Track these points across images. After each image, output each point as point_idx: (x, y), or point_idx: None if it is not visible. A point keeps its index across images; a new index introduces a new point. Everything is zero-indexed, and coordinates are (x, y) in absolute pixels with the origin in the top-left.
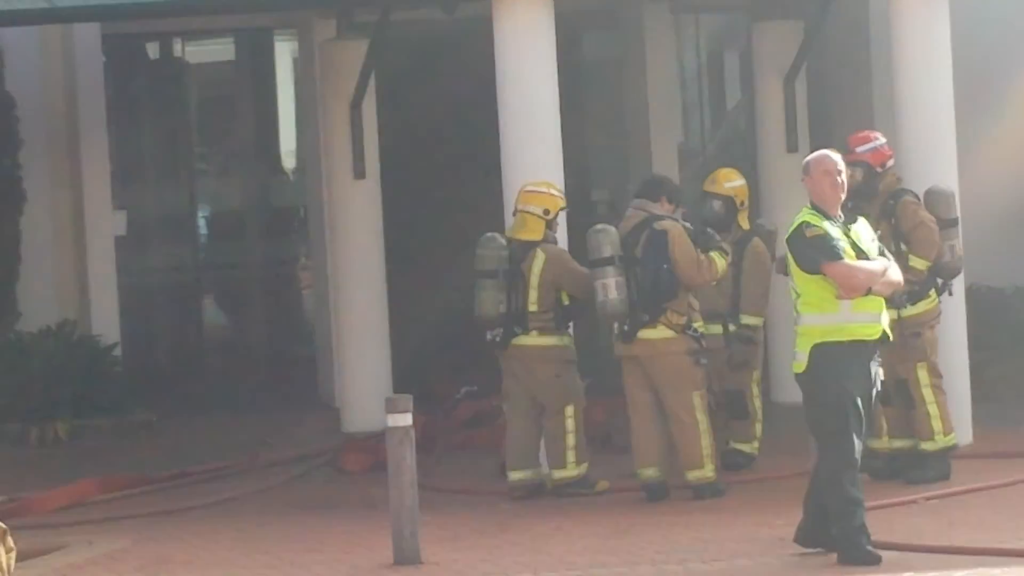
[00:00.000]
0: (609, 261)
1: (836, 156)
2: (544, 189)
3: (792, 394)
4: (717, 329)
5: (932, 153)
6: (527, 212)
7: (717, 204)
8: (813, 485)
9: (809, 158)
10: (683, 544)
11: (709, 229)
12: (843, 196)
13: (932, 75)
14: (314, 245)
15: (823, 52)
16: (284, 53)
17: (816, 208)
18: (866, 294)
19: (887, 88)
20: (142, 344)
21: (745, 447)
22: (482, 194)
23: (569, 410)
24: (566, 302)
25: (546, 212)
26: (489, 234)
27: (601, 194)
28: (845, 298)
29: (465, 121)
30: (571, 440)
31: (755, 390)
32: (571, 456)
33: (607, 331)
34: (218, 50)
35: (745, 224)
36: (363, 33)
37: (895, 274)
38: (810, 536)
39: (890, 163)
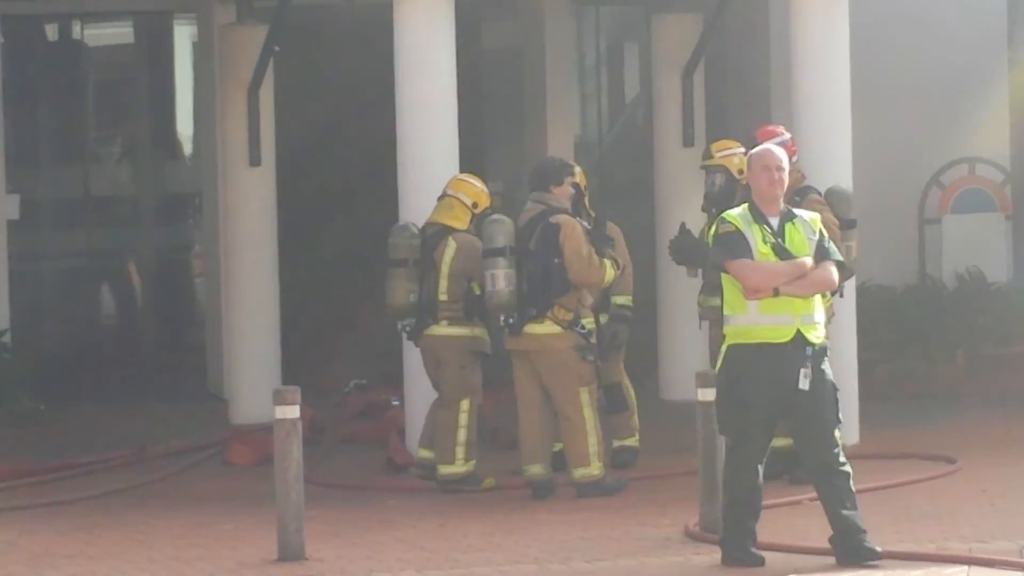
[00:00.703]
0: (500, 252)
1: (778, 151)
2: (478, 183)
3: (681, 392)
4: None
5: (828, 150)
6: (456, 198)
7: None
8: (826, 506)
9: (751, 152)
10: (568, 543)
11: (608, 233)
12: (781, 192)
13: (830, 72)
14: (208, 232)
15: (721, 46)
16: (183, 37)
17: (752, 204)
18: (774, 295)
19: (785, 83)
20: (32, 331)
21: (630, 442)
22: (378, 184)
23: (464, 404)
24: (476, 292)
25: (475, 205)
26: (401, 223)
27: (496, 186)
28: (751, 299)
29: (363, 109)
30: (462, 435)
31: (626, 380)
32: (460, 452)
33: (496, 324)
34: (117, 33)
35: None
36: (263, 18)
37: (819, 275)
38: (845, 552)
39: (794, 159)
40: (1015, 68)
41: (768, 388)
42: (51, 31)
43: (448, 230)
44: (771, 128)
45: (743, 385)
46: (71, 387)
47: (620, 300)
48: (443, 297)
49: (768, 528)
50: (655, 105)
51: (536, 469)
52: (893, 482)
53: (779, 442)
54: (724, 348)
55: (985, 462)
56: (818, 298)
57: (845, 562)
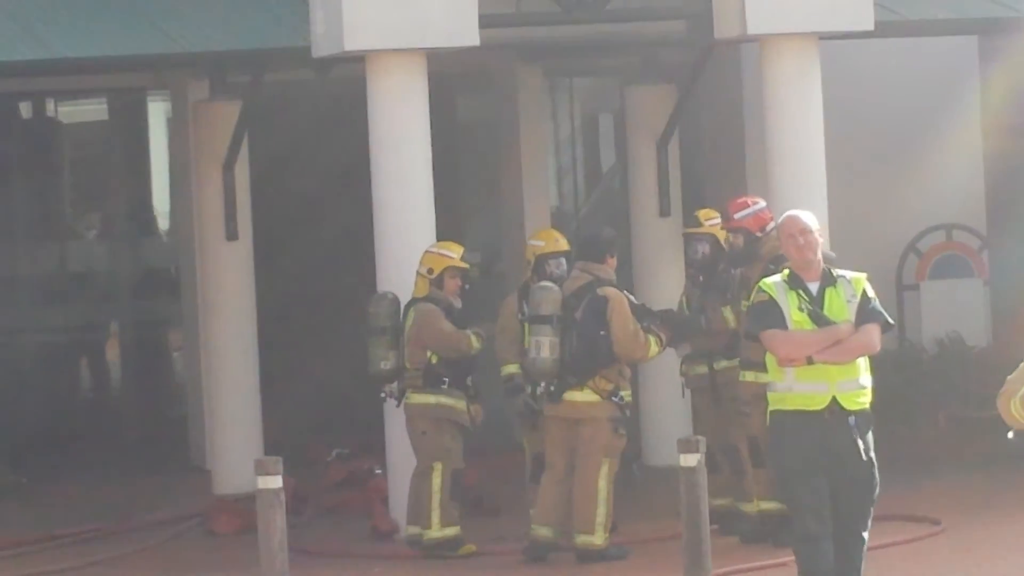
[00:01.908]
0: (547, 320)
1: (801, 216)
2: (434, 249)
3: (666, 457)
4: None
5: None
6: (417, 271)
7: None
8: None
9: (778, 223)
10: None
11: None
12: (812, 256)
13: (805, 140)
14: (186, 306)
15: (696, 116)
16: (157, 113)
17: (791, 270)
18: (809, 363)
19: (760, 152)
20: (11, 406)
21: None
22: (356, 256)
23: (437, 468)
24: (433, 360)
25: (429, 271)
26: (380, 292)
27: (474, 257)
28: (786, 366)
29: (339, 182)
30: (436, 500)
31: None
32: (435, 516)
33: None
34: (91, 110)
35: None
36: (236, 94)
37: (856, 340)
38: None
39: (770, 227)
40: (989, 134)
41: (808, 454)
42: (25, 109)
43: (415, 300)
44: (742, 200)
45: (785, 452)
46: (52, 460)
47: None
48: (407, 365)
49: None
50: (631, 175)
51: (544, 532)
52: (878, 543)
53: (765, 505)
54: (768, 414)
55: (969, 523)
56: (863, 363)
57: None
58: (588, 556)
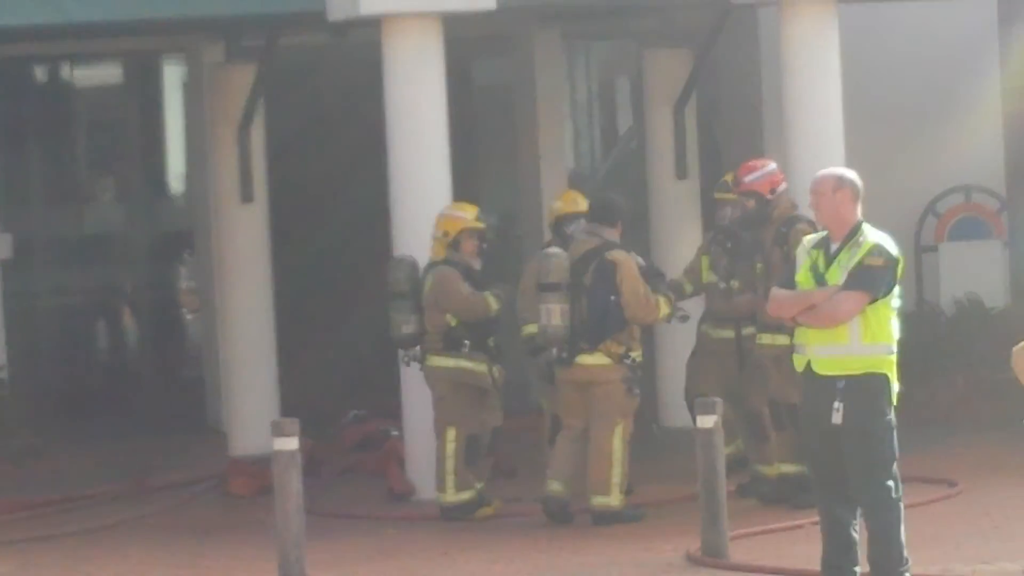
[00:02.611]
0: (555, 287)
1: (818, 175)
2: (448, 211)
3: (682, 418)
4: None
5: None
6: (433, 235)
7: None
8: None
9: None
10: (569, 570)
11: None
12: (824, 219)
13: (822, 102)
14: (202, 268)
15: (713, 80)
16: (173, 77)
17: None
18: (794, 323)
19: (777, 116)
20: (29, 368)
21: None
22: (371, 218)
23: (450, 434)
24: (453, 324)
25: (445, 234)
26: (398, 256)
27: (490, 219)
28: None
29: (354, 146)
30: (450, 465)
31: None
32: (451, 481)
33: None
34: (107, 74)
35: None
36: (252, 57)
37: (824, 307)
38: None
39: (781, 188)
40: (1009, 95)
41: (807, 418)
42: (41, 73)
43: (433, 264)
44: (752, 163)
45: (798, 413)
46: (69, 423)
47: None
48: (428, 328)
49: (771, 553)
50: (648, 138)
51: (556, 487)
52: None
53: (785, 467)
54: None
55: (986, 485)
56: (854, 328)
57: None
58: (604, 518)
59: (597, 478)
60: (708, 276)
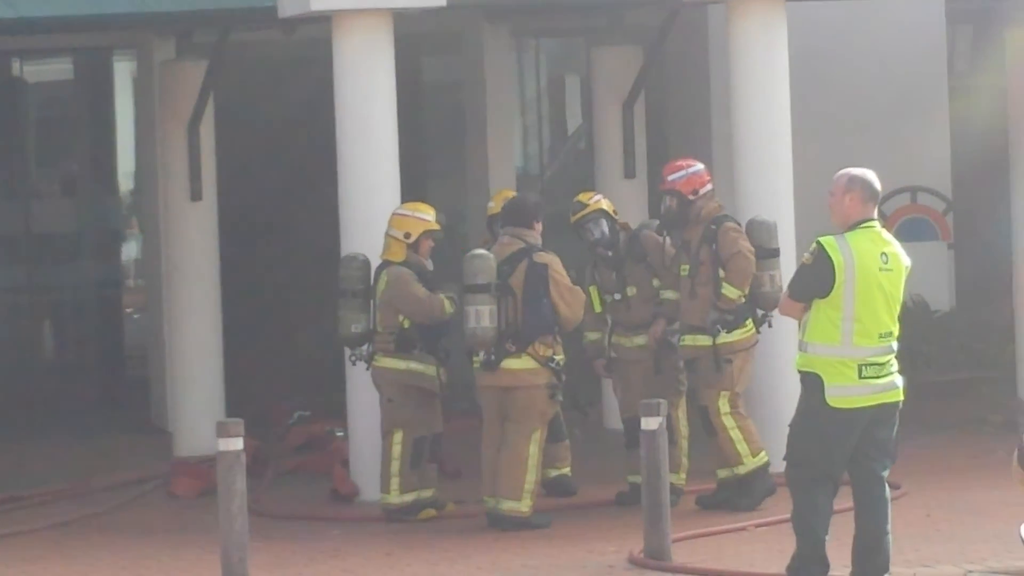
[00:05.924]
0: (484, 288)
1: (838, 175)
2: (409, 212)
3: (615, 421)
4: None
5: (769, 182)
6: (390, 235)
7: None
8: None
9: None
10: (512, 569)
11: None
12: (834, 219)
13: (770, 103)
14: (149, 266)
15: (662, 78)
16: (123, 73)
17: None
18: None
19: (725, 115)
20: None
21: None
22: (319, 217)
23: (397, 436)
24: (405, 325)
25: (407, 235)
26: (350, 254)
27: (439, 218)
28: None
29: (303, 143)
30: (395, 467)
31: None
32: (395, 483)
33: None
34: (56, 70)
35: None
36: (202, 54)
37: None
38: None
39: (704, 190)
40: (955, 96)
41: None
42: None
43: (387, 264)
44: (677, 163)
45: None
46: (13, 422)
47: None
48: (379, 328)
49: (712, 555)
50: (597, 136)
51: (492, 503)
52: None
53: (722, 473)
54: None
55: (929, 487)
56: (805, 326)
57: None
58: (511, 523)
59: (510, 483)
60: (599, 305)
